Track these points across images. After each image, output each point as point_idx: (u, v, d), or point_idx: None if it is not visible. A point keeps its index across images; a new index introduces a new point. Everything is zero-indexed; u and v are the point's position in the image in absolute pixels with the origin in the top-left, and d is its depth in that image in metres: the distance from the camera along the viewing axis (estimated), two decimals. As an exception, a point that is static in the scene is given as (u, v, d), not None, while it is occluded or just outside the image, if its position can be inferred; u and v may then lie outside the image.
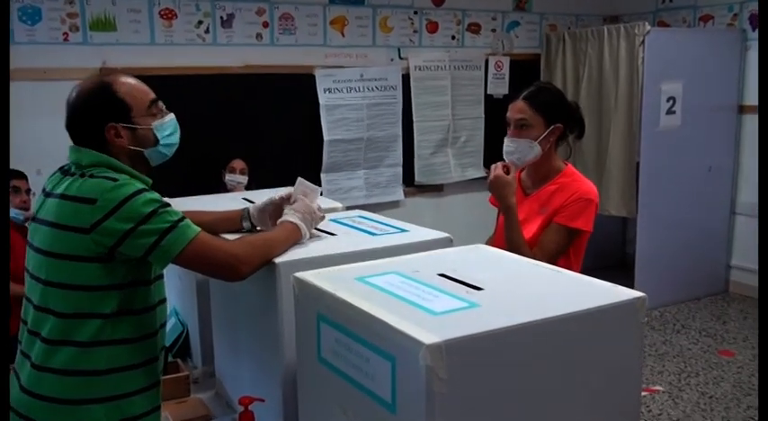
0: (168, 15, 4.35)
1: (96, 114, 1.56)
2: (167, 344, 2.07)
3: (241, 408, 1.43)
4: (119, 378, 1.52)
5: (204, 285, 1.95)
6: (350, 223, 1.86)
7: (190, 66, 4.40)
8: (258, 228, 1.77)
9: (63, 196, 1.48)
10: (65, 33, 4.09)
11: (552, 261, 2.06)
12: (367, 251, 1.58)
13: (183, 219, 1.49)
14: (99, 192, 1.45)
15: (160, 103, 1.67)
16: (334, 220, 1.89)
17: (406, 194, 5.17)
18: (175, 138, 1.69)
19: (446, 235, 1.70)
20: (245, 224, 1.78)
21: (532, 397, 1.12)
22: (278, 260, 1.50)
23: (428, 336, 1.01)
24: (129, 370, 1.54)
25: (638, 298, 1.22)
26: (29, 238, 1.58)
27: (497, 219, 2.33)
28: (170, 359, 2.00)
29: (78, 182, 1.49)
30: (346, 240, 1.68)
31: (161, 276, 1.63)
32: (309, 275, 1.34)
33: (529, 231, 2.16)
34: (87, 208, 1.44)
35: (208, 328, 1.96)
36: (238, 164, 4.29)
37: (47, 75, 3.96)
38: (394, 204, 5.08)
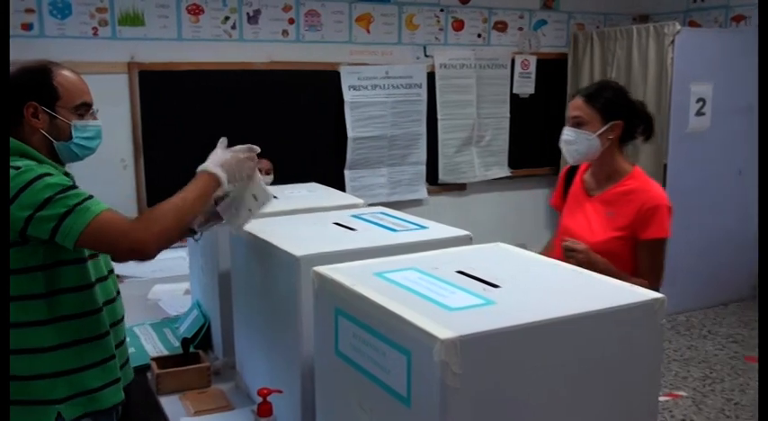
0: (195, 11, 4.39)
1: (23, 90, 1.62)
2: (189, 336, 2.10)
3: (260, 399, 1.44)
4: (65, 354, 1.59)
5: (226, 278, 1.97)
6: (371, 219, 1.87)
7: (216, 61, 4.44)
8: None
9: None
10: (94, 28, 4.15)
11: (659, 277, 2.07)
12: (387, 247, 1.59)
13: (83, 201, 1.50)
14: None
15: (94, 110, 1.72)
16: (355, 216, 1.90)
17: (429, 192, 5.16)
18: (92, 143, 1.72)
19: (466, 233, 1.70)
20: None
21: (547, 395, 1.12)
22: (299, 254, 1.51)
23: (443, 332, 1.02)
24: (74, 345, 1.61)
25: (657, 299, 1.21)
26: None
27: (559, 224, 2.32)
28: (192, 350, 2.03)
29: None
30: (366, 236, 1.69)
31: (96, 255, 1.68)
32: (328, 270, 1.35)
33: (594, 235, 2.11)
34: None
35: (229, 321, 1.98)
36: (265, 164, 4.30)
37: (77, 68, 3.99)
38: (417, 202, 5.08)
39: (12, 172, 1.51)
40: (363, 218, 1.89)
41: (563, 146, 2.19)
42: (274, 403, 1.51)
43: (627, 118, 2.15)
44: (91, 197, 1.53)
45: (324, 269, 1.36)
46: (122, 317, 1.77)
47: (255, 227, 1.75)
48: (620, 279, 1.31)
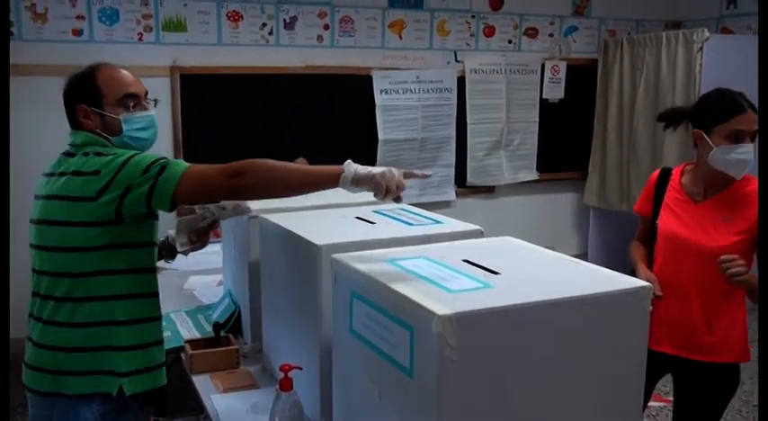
0: (235, 17, 4.58)
1: (72, 95, 1.77)
2: (221, 321, 2.26)
3: (281, 375, 1.58)
4: (139, 329, 1.73)
5: (255, 268, 2.12)
6: (391, 214, 2.00)
7: (254, 65, 4.63)
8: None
9: (75, 173, 1.66)
10: (139, 33, 4.36)
11: None
12: (401, 238, 1.72)
13: (174, 161, 1.64)
14: (101, 165, 1.64)
15: (144, 100, 1.81)
16: (376, 212, 2.03)
17: (457, 195, 5.27)
18: (145, 134, 1.81)
19: (477, 227, 1.82)
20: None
21: (536, 373, 1.24)
22: (320, 243, 1.64)
23: (441, 308, 1.15)
24: (147, 322, 1.75)
25: (644, 286, 1.32)
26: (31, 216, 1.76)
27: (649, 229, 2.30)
28: (223, 334, 2.18)
29: (82, 159, 1.68)
30: (384, 228, 1.82)
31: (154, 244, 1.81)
32: (346, 257, 1.49)
33: (714, 240, 2.08)
34: (94, 178, 1.63)
35: (257, 308, 2.13)
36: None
37: (122, 72, 4.23)
38: (446, 204, 5.19)
39: (106, 157, 1.65)
40: (384, 213, 2.02)
41: (741, 164, 2.06)
42: (296, 379, 1.64)
43: None
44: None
45: (341, 256, 1.49)
46: None
47: (284, 220, 1.89)
48: None
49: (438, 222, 1.89)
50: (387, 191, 1.54)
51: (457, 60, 5.20)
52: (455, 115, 5.16)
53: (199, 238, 2.00)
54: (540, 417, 1.26)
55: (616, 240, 5.63)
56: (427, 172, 2.34)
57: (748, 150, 2.06)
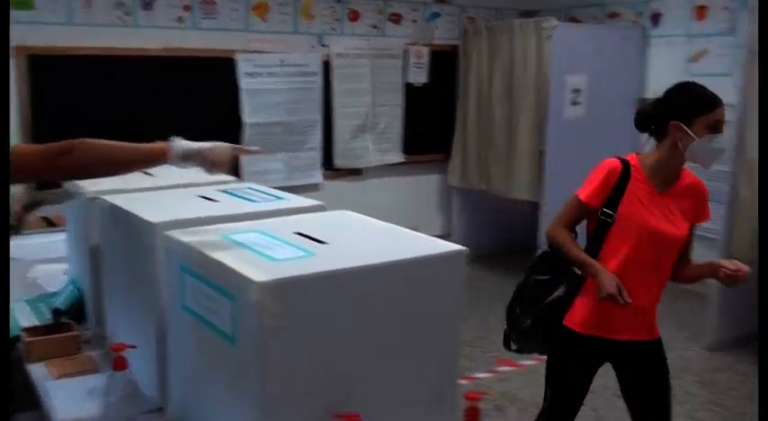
0: (86, -5, 4.37)
1: None
2: (62, 308, 2.18)
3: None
4: None
5: (96, 251, 2.06)
6: (236, 193, 2.00)
7: (110, 46, 4.44)
8: None
9: None
10: (-22, 10, 4.07)
11: None
12: (240, 215, 1.72)
13: None
14: None
15: None
16: (222, 191, 2.02)
17: (325, 177, 5.31)
18: None
19: (319, 202, 1.86)
20: None
21: (358, 336, 1.30)
22: (155, 220, 1.62)
23: (259, 276, 1.18)
24: None
25: (460, 250, 1.41)
26: None
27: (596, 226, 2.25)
28: (64, 321, 2.11)
29: None
30: (225, 206, 1.82)
31: None
32: (178, 233, 1.48)
33: (679, 230, 2.20)
34: None
35: (100, 292, 2.07)
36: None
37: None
38: (313, 187, 5.22)
39: None
40: (229, 192, 2.02)
41: (720, 153, 2.17)
42: (135, 360, 1.62)
43: None
44: None
45: (173, 232, 1.49)
46: None
47: (123, 201, 1.85)
48: None
49: (281, 198, 1.91)
50: (214, 164, 1.55)
51: (322, 45, 5.22)
52: (321, 99, 5.19)
53: (16, 221, 1.89)
54: (363, 379, 1.32)
55: (478, 218, 5.90)
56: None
57: (725, 140, 2.18)
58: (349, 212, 1.78)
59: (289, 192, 2.10)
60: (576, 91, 5.03)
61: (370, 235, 1.53)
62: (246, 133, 4.89)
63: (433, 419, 1.43)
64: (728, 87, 4.10)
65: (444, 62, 5.73)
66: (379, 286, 1.30)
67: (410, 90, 5.63)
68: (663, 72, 5.18)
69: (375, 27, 5.48)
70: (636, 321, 2.22)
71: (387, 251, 1.37)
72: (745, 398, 3.50)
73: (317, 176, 5.26)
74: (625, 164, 2.21)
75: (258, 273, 1.19)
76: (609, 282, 2.06)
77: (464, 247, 1.41)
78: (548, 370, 2.36)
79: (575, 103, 5.04)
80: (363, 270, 1.27)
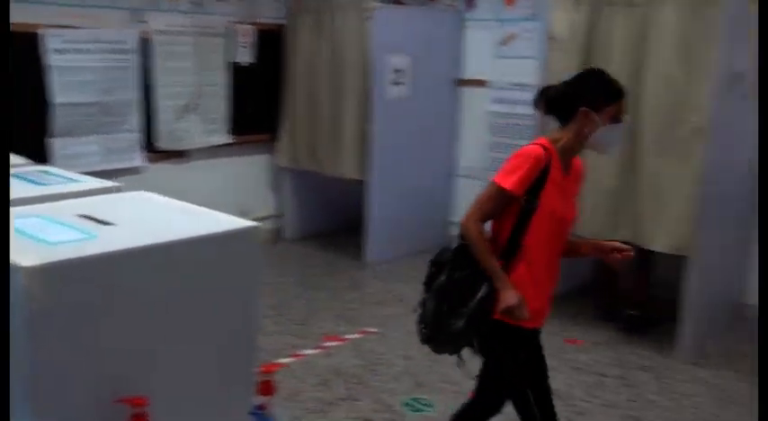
0: None
1: None
2: None
3: None
4: None
5: None
6: (26, 177, 1.88)
7: None
8: None
9: None
10: None
11: None
12: (25, 199, 1.63)
13: None
14: None
15: None
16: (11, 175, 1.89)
17: (148, 160, 5.10)
18: None
19: (115, 184, 1.80)
20: None
21: (145, 316, 1.28)
22: None
23: (28, 261, 1.12)
24: None
25: (252, 227, 1.43)
26: None
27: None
28: None
29: None
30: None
31: None
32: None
33: (576, 210, 2.31)
34: None
35: None
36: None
37: None
38: (134, 170, 4.99)
39: None
40: (18, 175, 1.89)
41: (616, 143, 2.32)
42: None
43: None
44: None
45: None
46: None
47: None
48: None
49: (72, 181, 1.83)
50: None
51: (140, 21, 4.98)
52: (140, 78, 4.95)
53: None
54: (152, 361, 1.30)
55: (309, 198, 5.95)
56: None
57: (623, 130, 2.27)
58: (145, 193, 1.73)
59: (105, 176, 2.00)
60: (399, 71, 5.18)
61: (160, 215, 1.51)
62: (57, 114, 4.56)
63: (228, 397, 1.44)
64: (533, 69, 4.44)
65: (271, 41, 5.67)
66: (164, 266, 1.29)
67: (237, 69, 5.52)
68: (478, 54, 5.47)
69: (197, 3, 5.30)
70: (546, 309, 2.30)
71: (174, 230, 1.36)
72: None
73: (137, 159, 5.02)
74: (546, 150, 2.18)
75: (27, 257, 1.14)
76: (513, 298, 2.12)
77: (257, 224, 1.44)
78: (496, 369, 2.28)
79: (397, 83, 5.20)
80: (146, 249, 1.26)
